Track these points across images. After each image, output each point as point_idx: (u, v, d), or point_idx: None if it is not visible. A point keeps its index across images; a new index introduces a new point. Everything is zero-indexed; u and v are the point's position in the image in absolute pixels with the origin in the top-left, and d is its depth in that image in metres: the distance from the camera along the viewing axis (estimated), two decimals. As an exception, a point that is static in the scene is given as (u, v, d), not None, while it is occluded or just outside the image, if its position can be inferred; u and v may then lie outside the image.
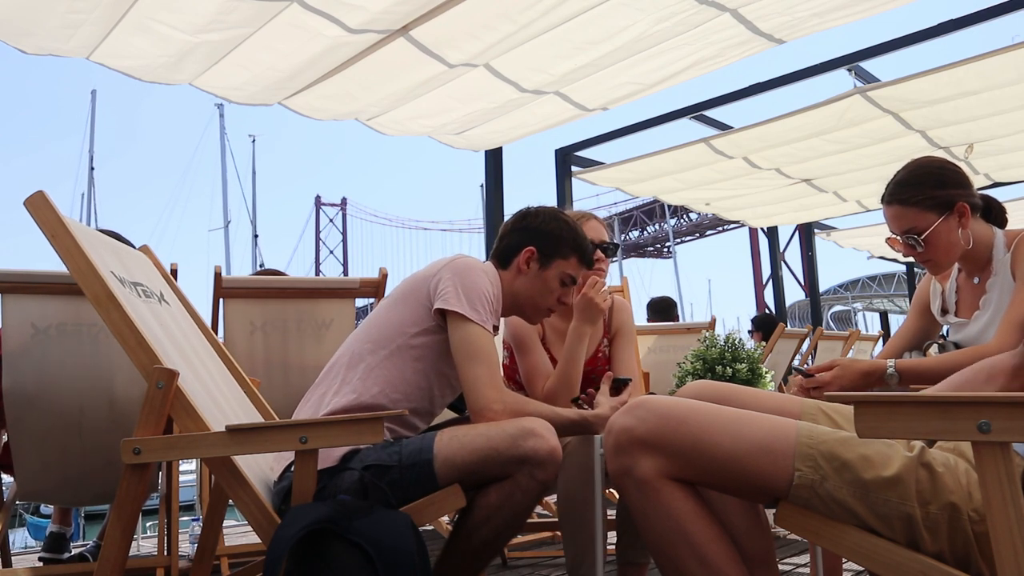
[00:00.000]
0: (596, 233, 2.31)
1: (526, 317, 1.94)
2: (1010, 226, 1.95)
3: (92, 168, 27.49)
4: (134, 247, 2.12)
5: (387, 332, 1.74)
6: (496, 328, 1.83)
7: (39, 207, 1.50)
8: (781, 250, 8.44)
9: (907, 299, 17.81)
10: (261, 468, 1.68)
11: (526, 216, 1.92)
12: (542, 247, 1.86)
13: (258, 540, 1.49)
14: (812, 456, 1.19)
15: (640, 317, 5.37)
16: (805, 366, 1.83)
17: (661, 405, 1.30)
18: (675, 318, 5.64)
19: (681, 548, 1.26)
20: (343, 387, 1.71)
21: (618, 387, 2.01)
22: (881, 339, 7.09)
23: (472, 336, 1.65)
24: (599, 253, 2.30)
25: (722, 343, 2.42)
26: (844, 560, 1.91)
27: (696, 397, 1.49)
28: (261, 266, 27.09)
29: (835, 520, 1.17)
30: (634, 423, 1.29)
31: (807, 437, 1.22)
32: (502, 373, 1.66)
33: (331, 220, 63.61)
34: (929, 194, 1.82)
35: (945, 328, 2.04)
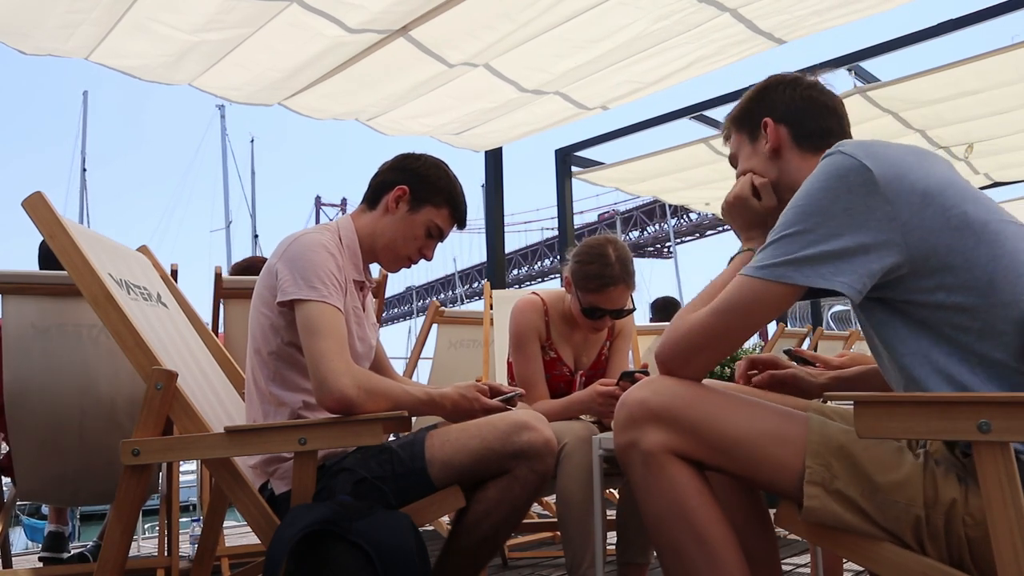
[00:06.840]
0: (613, 302, 2.20)
1: (382, 263, 1.84)
2: None
3: (84, 169, 27.51)
4: None
5: (263, 340, 1.66)
6: (373, 296, 1.76)
7: (37, 208, 1.50)
8: (781, 250, 8.41)
9: (907, 299, 17.68)
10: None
11: (407, 157, 1.85)
12: (416, 189, 1.79)
13: (258, 540, 1.48)
14: (822, 453, 1.17)
15: (643, 318, 5.37)
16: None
17: (678, 381, 1.29)
18: None
19: (680, 527, 1.24)
20: (268, 407, 1.66)
21: (627, 381, 2.03)
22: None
23: (313, 312, 1.56)
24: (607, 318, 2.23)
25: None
26: (844, 560, 1.91)
27: None
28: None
29: (845, 523, 1.14)
30: (648, 395, 1.28)
31: (818, 434, 1.20)
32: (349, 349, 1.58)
33: (331, 220, 63.48)
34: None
35: None
